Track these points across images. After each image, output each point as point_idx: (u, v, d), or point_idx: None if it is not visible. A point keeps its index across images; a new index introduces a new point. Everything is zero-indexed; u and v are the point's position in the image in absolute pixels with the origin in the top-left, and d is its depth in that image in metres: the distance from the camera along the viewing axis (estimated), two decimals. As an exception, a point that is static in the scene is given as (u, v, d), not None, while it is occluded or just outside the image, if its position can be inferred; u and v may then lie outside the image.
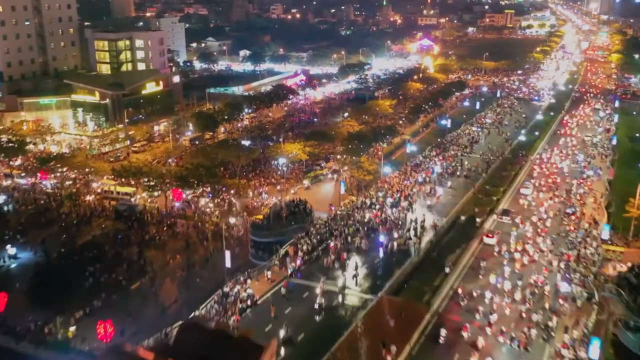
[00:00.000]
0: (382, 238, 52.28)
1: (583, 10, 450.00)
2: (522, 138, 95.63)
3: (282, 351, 36.96)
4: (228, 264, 48.23)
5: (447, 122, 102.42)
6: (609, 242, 55.71)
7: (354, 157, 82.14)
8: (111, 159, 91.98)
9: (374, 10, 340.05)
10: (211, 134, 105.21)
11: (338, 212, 62.95)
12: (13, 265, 60.00)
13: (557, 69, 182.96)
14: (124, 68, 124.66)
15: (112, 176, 77.81)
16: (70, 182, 79.61)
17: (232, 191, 74.85)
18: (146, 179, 74.20)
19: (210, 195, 74.50)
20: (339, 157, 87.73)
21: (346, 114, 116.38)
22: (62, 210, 73.15)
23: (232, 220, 69.78)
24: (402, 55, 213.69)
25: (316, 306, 42.02)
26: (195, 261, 61.31)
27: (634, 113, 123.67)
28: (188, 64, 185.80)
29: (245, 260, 59.05)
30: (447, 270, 48.82)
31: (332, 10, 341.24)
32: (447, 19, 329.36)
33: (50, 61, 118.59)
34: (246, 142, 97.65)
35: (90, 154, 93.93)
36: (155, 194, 74.15)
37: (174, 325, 39.15)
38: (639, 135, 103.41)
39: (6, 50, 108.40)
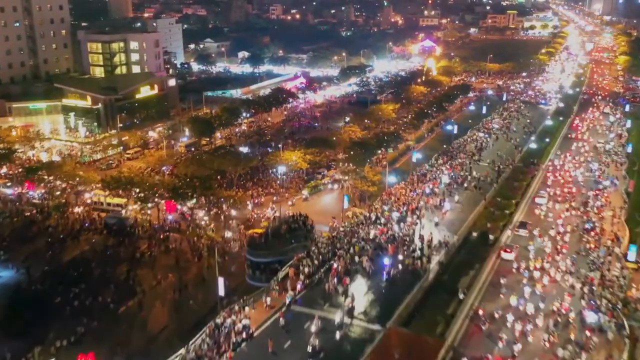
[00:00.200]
0: (387, 260, 48.23)
1: (585, 10, 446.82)
2: (532, 145, 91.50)
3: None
4: (222, 292, 44.07)
5: (453, 128, 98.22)
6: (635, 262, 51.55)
7: (357, 168, 77.88)
8: (103, 167, 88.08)
9: (375, 10, 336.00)
10: (208, 139, 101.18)
11: (341, 229, 58.82)
12: (-7, 285, 56.03)
13: (562, 71, 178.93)
14: (118, 71, 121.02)
15: (101, 187, 73.64)
16: (59, 192, 75.44)
17: (230, 202, 70.50)
18: (137, 190, 70.22)
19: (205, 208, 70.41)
20: (340, 164, 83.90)
21: (347, 119, 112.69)
22: (48, 223, 69.25)
23: (228, 234, 65.84)
24: (404, 57, 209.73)
25: (309, 349, 37.70)
26: (189, 281, 57.26)
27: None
28: (185, 65, 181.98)
29: (241, 281, 55.10)
30: (461, 296, 44.79)
31: (332, 11, 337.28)
32: (448, 19, 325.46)
33: (42, 64, 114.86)
34: (244, 149, 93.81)
35: (82, 162, 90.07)
36: (149, 205, 70.07)
37: None
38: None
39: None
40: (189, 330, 45.38)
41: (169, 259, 61.42)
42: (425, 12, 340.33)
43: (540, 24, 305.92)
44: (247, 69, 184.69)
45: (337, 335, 39.58)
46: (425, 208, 62.92)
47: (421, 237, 54.77)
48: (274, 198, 74.48)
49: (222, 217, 69.36)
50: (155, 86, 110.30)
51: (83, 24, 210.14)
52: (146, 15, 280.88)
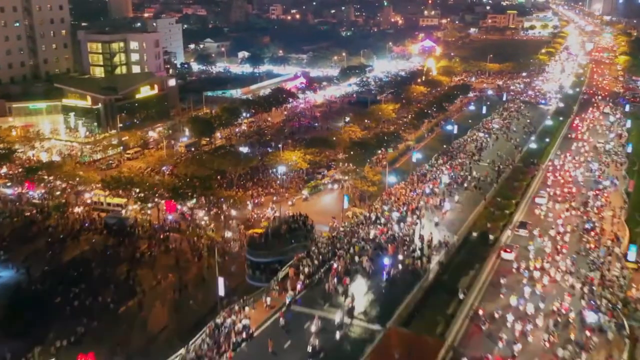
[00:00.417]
0: (387, 260, 48.24)
1: (585, 10, 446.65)
2: (532, 145, 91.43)
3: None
4: (221, 292, 44.06)
5: (453, 128, 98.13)
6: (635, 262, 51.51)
7: (356, 168, 77.83)
8: (103, 167, 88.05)
9: (375, 10, 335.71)
10: (208, 139, 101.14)
11: (341, 229, 58.79)
12: (-7, 285, 56.02)
13: (562, 71, 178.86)
14: (118, 71, 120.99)
15: (101, 187, 73.60)
16: (59, 192, 75.39)
17: (230, 202, 70.41)
18: (137, 190, 70.20)
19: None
20: (340, 164, 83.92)
21: (347, 119, 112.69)
22: (48, 223, 69.23)
23: (228, 234, 65.82)
24: (404, 57, 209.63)
25: (309, 349, 37.68)
26: (189, 281, 57.23)
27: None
28: (185, 65, 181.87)
29: (241, 280, 55.08)
30: (461, 296, 44.77)
31: (332, 11, 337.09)
32: (448, 19, 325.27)
33: (42, 64, 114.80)
34: (244, 149, 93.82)
35: (82, 162, 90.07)
36: (149, 205, 70.03)
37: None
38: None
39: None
40: (189, 330, 45.37)
41: (169, 259, 61.40)
42: (425, 12, 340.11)
43: (540, 24, 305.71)
44: (247, 69, 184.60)
45: (337, 335, 39.58)
46: (425, 208, 62.93)
47: (421, 237, 54.75)
48: (274, 198, 74.47)
49: (222, 217, 69.36)
50: (155, 86, 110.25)
51: (83, 24, 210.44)
52: (146, 15, 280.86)
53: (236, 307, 42.40)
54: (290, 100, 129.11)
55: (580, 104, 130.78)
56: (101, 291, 54.18)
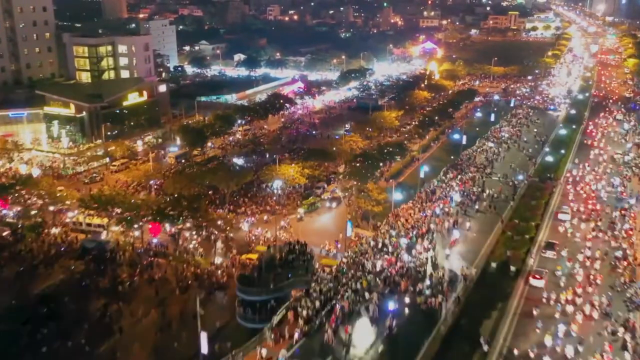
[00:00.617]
0: (393, 304, 41.86)
1: (586, 11, 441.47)
2: (547, 158, 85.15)
3: None
4: (204, 349, 37.56)
5: (461, 138, 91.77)
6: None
7: (359, 183, 71.62)
8: (86, 180, 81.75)
9: (374, 11, 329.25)
10: (199, 149, 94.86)
11: (344, 259, 52.53)
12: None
13: (568, 74, 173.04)
14: (105, 76, 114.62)
15: (79, 206, 67.24)
16: (35, 211, 68.96)
17: (220, 224, 63.94)
18: (119, 210, 63.87)
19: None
20: (341, 177, 77.85)
21: (347, 126, 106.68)
22: (20, 247, 62.82)
23: (218, 260, 59.55)
24: (405, 59, 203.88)
25: None
26: (173, 317, 50.91)
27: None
28: (179, 69, 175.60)
29: (231, 317, 48.84)
30: (485, 348, 38.58)
31: (331, 12, 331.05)
32: (449, 20, 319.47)
33: (24, 69, 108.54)
34: (238, 160, 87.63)
35: (64, 174, 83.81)
36: (135, 226, 63.61)
37: None
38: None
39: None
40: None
41: (152, 289, 55.08)
42: (425, 13, 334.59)
43: (543, 25, 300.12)
44: (242, 72, 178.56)
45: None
46: (436, 230, 56.84)
47: (434, 267, 48.70)
48: (265, 217, 68.08)
49: (212, 239, 63.06)
50: (145, 92, 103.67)
51: (76, 25, 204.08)
52: (141, 16, 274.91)
53: (223, 366, 36.17)
54: (288, 106, 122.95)
55: (591, 108, 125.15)
56: (73, 331, 47.91)
